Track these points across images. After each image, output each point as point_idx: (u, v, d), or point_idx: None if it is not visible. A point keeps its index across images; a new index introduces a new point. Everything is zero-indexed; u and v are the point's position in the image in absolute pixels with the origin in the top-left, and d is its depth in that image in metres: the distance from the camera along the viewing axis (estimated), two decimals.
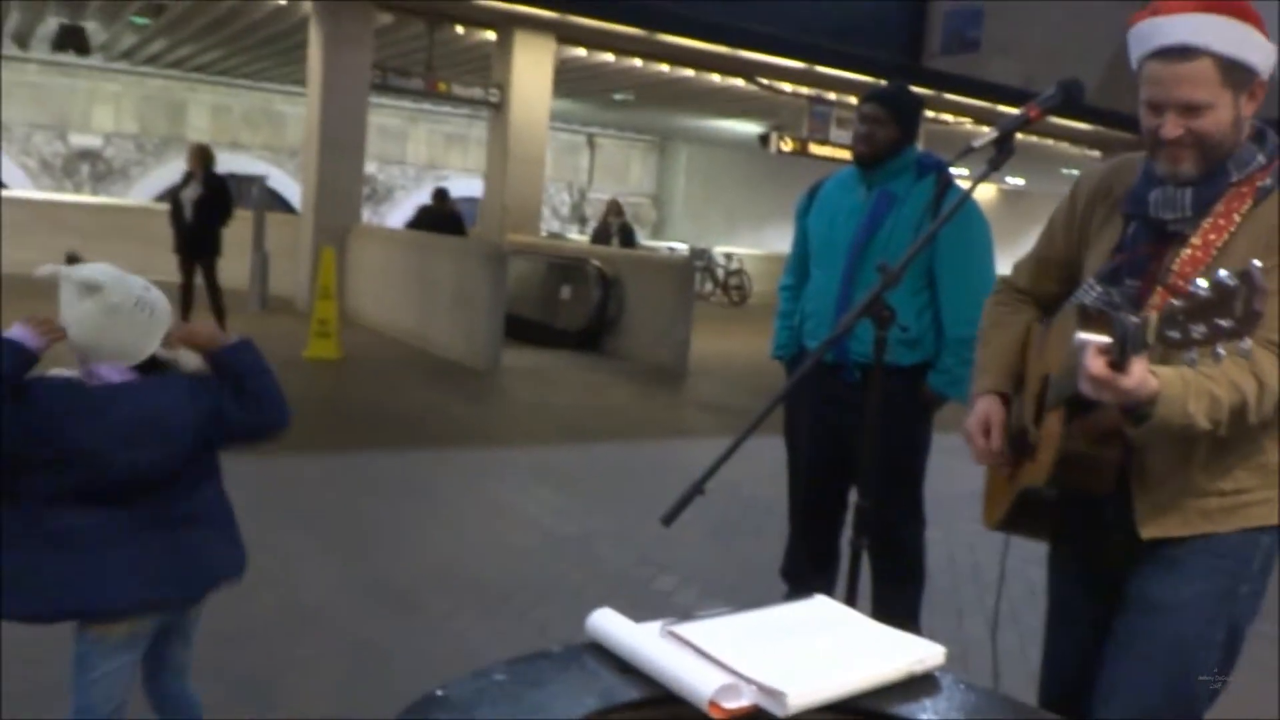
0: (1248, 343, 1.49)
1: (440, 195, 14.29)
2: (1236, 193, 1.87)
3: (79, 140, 23.17)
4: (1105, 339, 1.58)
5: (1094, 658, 2.05)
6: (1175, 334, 1.51)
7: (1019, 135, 2.10)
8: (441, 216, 13.86)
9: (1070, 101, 1.97)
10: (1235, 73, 1.81)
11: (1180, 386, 1.68)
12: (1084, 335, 1.61)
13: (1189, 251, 1.85)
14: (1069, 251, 2.10)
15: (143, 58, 20.93)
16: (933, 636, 1.44)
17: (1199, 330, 1.49)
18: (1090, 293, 1.91)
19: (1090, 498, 1.92)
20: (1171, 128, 1.84)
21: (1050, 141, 18.87)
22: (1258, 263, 1.48)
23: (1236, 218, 1.85)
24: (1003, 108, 16.27)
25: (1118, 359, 1.59)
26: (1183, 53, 1.79)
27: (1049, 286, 2.13)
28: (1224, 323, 1.48)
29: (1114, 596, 2.01)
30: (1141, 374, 1.62)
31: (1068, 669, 2.14)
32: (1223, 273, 1.48)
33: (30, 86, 22.47)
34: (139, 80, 23.21)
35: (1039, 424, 1.93)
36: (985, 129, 2.06)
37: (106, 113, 23.36)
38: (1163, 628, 1.91)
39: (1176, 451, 1.85)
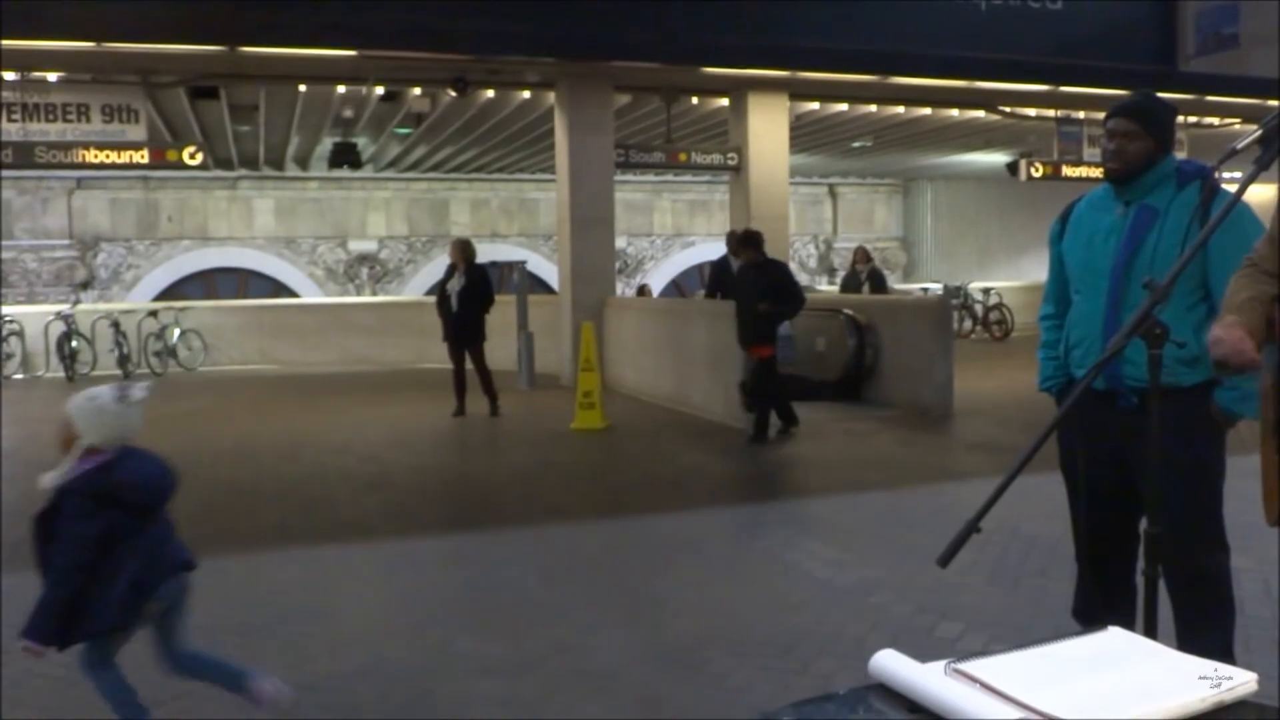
0: None
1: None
2: None
3: (357, 246, 25.13)
4: None
5: None
6: None
7: None
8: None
9: None
10: None
11: None
12: None
13: None
14: None
15: (407, 164, 22.60)
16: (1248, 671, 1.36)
17: None
18: None
19: None
20: None
21: None
22: None
23: None
24: (1272, 102, 15.08)
25: None
26: None
27: None
28: None
29: None
30: None
31: None
32: None
33: (312, 202, 24.63)
34: (405, 185, 25.02)
35: None
36: (1255, 127, 1.96)
37: (379, 218, 25.26)
38: None
39: None
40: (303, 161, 21.83)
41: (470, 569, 5.71)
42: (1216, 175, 2.89)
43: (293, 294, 23.94)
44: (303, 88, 13.95)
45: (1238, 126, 16.98)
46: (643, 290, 20.81)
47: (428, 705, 3.83)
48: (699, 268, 26.89)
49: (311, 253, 24.79)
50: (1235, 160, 2.07)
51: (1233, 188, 2.22)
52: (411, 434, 10.36)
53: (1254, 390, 2.89)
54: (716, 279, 11.30)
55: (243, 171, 22.88)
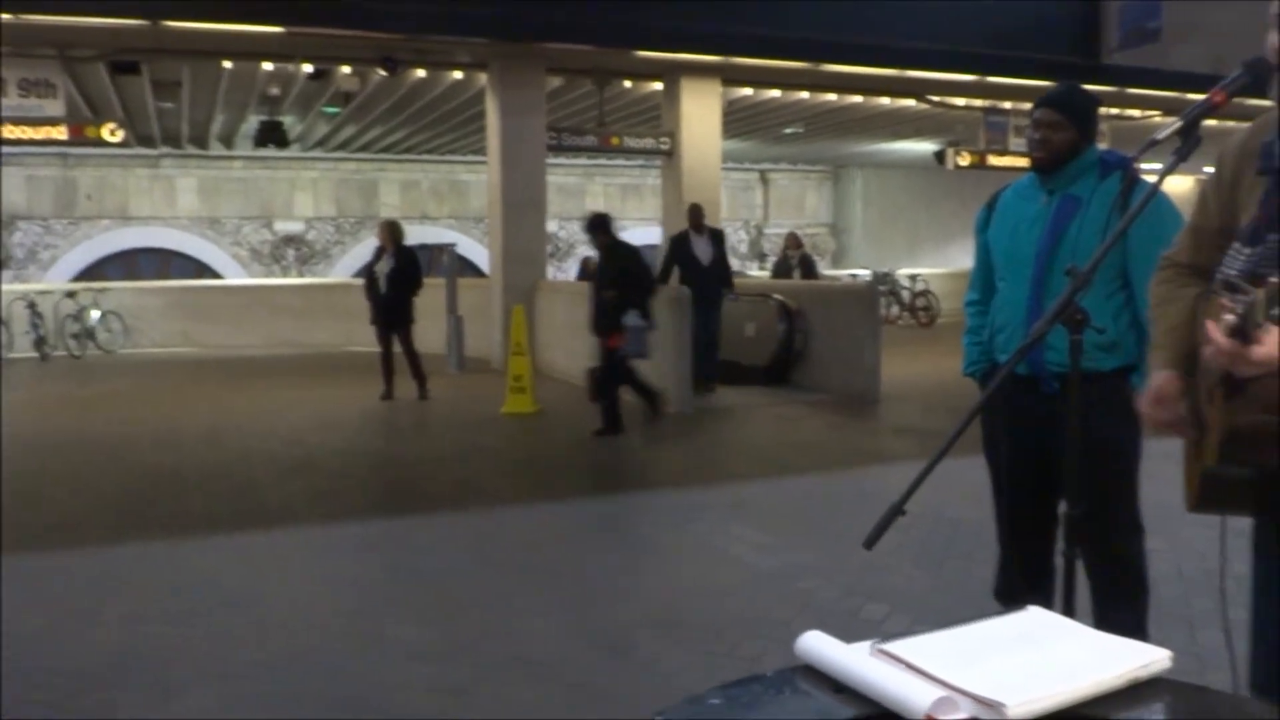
0: None
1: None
2: None
3: (283, 227, 24.72)
4: (1231, 316, 1.55)
5: None
6: (1276, 311, 1.50)
7: (1210, 122, 2.02)
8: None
9: (1258, 81, 1.89)
10: None
11: None
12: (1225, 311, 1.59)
13: None
14: (1222, 218, 2.02)
15: (335, 144, 22.25)
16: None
17: None
18: (1237, 257, 1.84)
19: (1276, 470, 1.84)
20: None
21: (1247, 124, 17.81)
22: None
23: None
24: (1192, 96, 15.39)
25: (1243, 332, 1.55)
26: None
27: (1210, 256, 2.03)
28: None
29: None
30: (1275, 342, 1.56)
31: (1276, 648, 2.03)
32: None
33: (237, 181, 24.17)
34: (334, 165, 24.65)
35: (1210, 403, 1.88)
36: (1175, 119, 1.99)
37: (306, 199, 24.87)
38: None
39: None
40: (227, 139, 21.38)
41: (399, 554, 5.66)
42: (1136, 166, 2.95)
43: (216, 275, 23.51)
44: (228, 64, 13.66)
45: (1158, 119, 17.36)
46: (589, 263, 20.72)
47: (356, 692, 3.79)
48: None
49: (236, 233, 24.33)
50: (1155, 151, 2.10)
51: (1153, 179, 2.26)
52: (339, 418, 10.23)
53: None
54: (675, 256, 11.06)
55: (165, 149, 22.35)
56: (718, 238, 11.28)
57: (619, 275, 8.71)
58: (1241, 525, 2.07)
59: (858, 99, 16.52)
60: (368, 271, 11.19)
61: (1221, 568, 2.07)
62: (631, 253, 9.03)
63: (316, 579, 5.27)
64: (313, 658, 4.10)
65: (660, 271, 11.02)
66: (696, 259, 10.87)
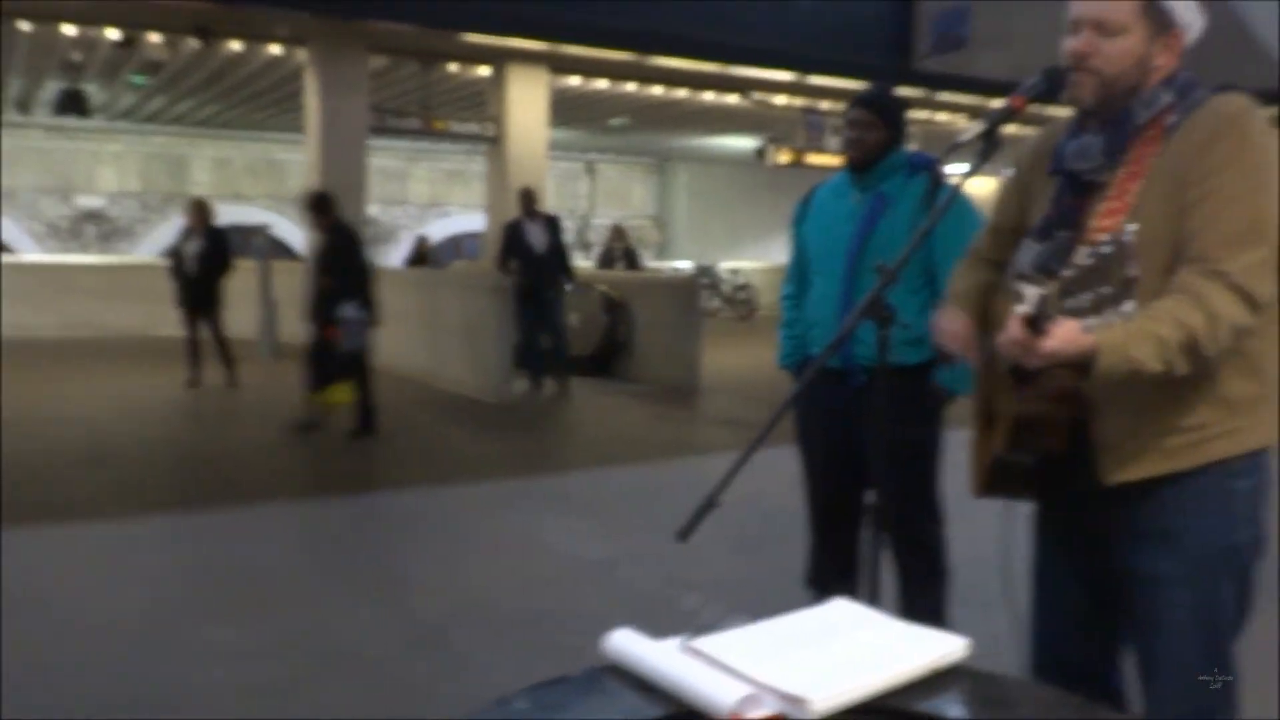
0: (1129, 306, 1.63)
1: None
2: (1146, 137, 1.92)
3: (84, 201, 23.38)
4: (1025, 308, 1.64)
5: (1083, 622, 2.10)
6: (1070, 303, 1.63)
7: (1012, 126, 2.10)
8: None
9: (1054, 88, 1.98)
10: (1156, 12, 1.90)
11: (1120, 335, 1.71)
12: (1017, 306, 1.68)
13: (1108, 203, 1.89)
14: (1019, 217, 2.13)
15: (143, 116, 21.10)
16: (961, 632, 1.44)
17: (1086, 298, 1.61)
18: (1029, 252, 1.95)
19: (1058, 458, 1.94)
20: (1081, 42, 1.91)
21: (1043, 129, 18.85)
22: (1131, 227, 1.62)
23: (1149, 162, 1.89)
24: (994, 101, 16.16)
25: (1033, 325, 1.65)
26: None
27: (1008, 252, 2.14)
28: (1105, 290, 1.60)
29: (1099, 559, 2.04)
30: (1065, 335, 1.67)
31: (1056, 633, 2.16)
32: (1104, 239, 1.63)
33: (34, 151, 22.69)
34: (141, 139, 23.42)
35: (999, 392, 1.99)
36: (978, 123, 2.07)
37: (110, 173, 23.57)
38: (1181, 599, 1.94)
39: (1131, 396, 1.86)
40: (24, 105, 20.00)
41: (205, 549, 5.42)
42: (941, 167, 3.06)
43: (7, 251, 22.05)
44: (25, 26, 12.78)
45: (963, 123, 18.17)
46: (423, 243, 20.37)
47: (160, 696, 3.59)
48: (454, 239, 26.53)
49: (31, 206, 22.86)
50: (959, 153, 2.19)
51: (957, 180, 2.35)
52: (141, 405, 9.75)
53: (969, 370, 3.09)
54: (509, 245, 10.57)
55: None
56: (553, 224, 10.73)
57: (337, 261, 8.03)
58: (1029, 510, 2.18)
59: (684, 93, 16.71)
60: (174, 252, 10.70)
61: (1005, 553, 2.17)
62: (352, 238, 8.38)
63: (116, 576, 4.98)
64: (110, 661, 3.88)
65: (498, 261, 10.75)
66: (530, 246, 10.40)
